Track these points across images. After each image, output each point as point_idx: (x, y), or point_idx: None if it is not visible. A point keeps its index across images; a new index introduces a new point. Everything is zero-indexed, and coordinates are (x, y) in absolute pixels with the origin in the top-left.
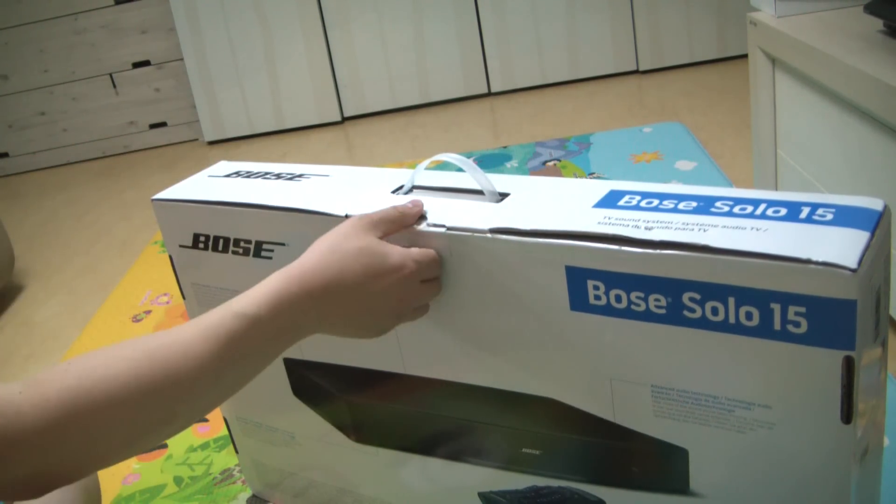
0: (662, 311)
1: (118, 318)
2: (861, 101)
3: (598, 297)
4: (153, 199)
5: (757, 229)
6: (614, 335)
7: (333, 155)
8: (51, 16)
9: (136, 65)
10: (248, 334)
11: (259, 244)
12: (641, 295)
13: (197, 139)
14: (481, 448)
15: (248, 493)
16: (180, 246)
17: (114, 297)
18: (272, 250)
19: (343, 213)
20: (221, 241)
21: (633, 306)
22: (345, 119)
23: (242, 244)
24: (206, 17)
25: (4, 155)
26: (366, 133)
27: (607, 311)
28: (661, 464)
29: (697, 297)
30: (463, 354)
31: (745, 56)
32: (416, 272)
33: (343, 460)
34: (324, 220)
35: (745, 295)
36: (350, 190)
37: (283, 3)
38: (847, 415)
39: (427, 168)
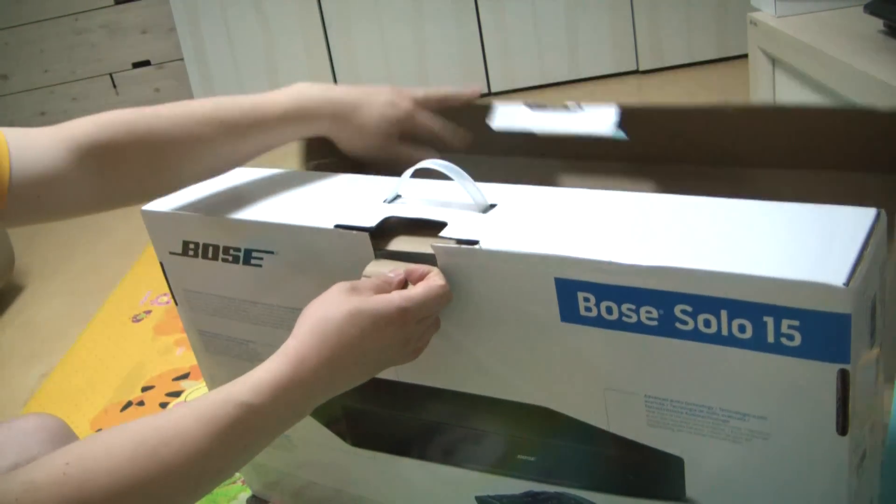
0: (654, 323)
1: (118, 318)
2: (861, 101)
3: (588, 309)
4: (142, 210)
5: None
6: (606, 346)
7: None
8: (51, 16)
9: (137, 65)
10: (251, 424)
11: (248, 252)
12: (632, 307)
13: None
14: (476, 455)
15: (247, 493)
16: (170, 253)
17: (114, 297)
18: (261, 258)
19: (332, 225)
20: (211, 249)
21: (624, 318)
22: None
23: (232, 252)
24: (206, 17)
25: None
26: None
27: (598, 322)
28: (656, 472)
29: (689, 309)
30: (455, 363)
31: (745, 56)
32: (411, 317)
33: (340, 463)
34: (312, 233)
35: (737, 308)
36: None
37: (283, 3)
38: (843, 427)
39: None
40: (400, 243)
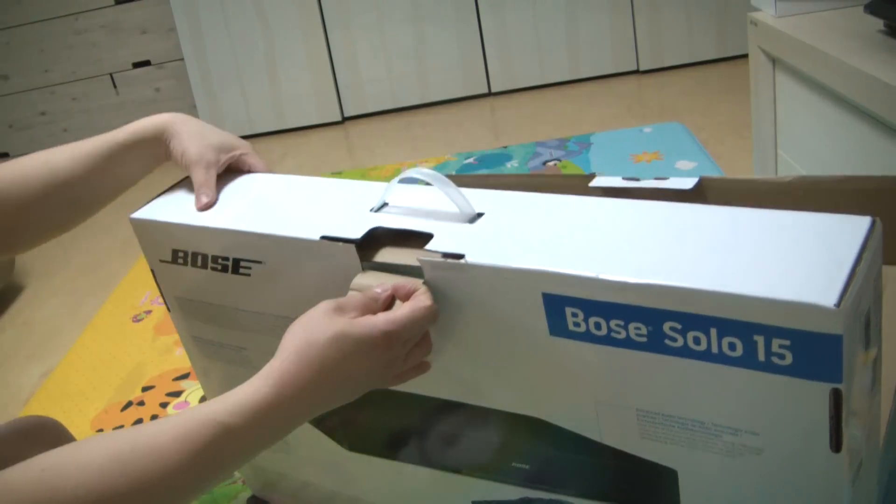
0: (643, 340)
1: (118, 318)
2: (861, 101)
3: (577, 324)
4: (130, 218)
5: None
6: (596, 361)
7: (333, 155)
8: (51, 16)
9: (137, 65)
10: (226, 444)
11: (237, 261)
12: (621, 323)
13: None
14: (471, 462)
15: (248, 494)
16: (160, 261)
17: (114, 297)
18: (249, 268)
19: (318, 237)
20: (200, 258)
21: (613, 334)
22: (345, 119)
23: (220, 261)
24: (206, 17)
25: (5, 155)
26: (366, 133)
27: (587, 337)
28: (650, 484)
29: (678, 326)
30: (448, 375)
31: (745, 56)
32: (396, 340)
33: (336, 466)
34: (299, 244)
35: (727, 326)
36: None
37: (283, 3)
38: (836, 444)
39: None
40: (387, 255)
